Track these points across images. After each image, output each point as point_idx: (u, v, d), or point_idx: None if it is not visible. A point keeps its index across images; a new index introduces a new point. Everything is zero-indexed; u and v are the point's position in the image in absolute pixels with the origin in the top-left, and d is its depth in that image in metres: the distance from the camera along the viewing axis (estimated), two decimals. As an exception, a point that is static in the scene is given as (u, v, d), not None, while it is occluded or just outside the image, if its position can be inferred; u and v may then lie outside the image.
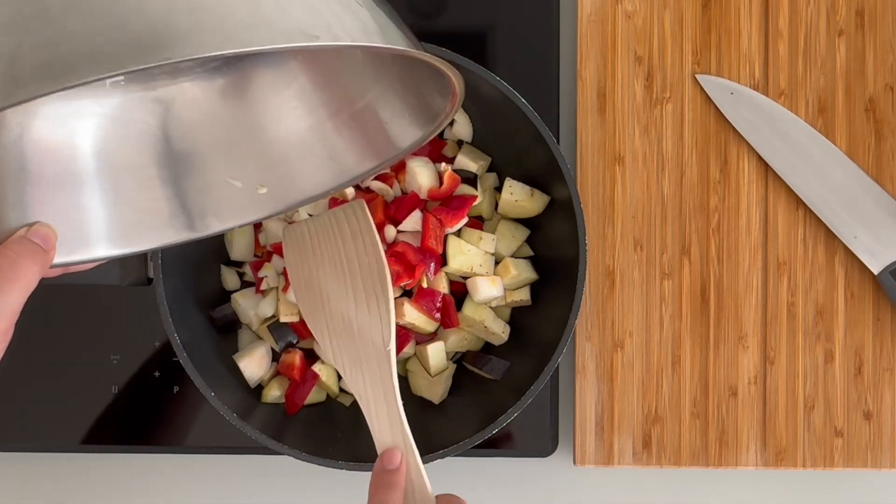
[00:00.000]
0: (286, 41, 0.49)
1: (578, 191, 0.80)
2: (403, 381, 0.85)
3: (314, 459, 0.79)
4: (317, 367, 0.83)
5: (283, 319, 0.82)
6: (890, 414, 0.86)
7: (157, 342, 0.88)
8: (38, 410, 0.88)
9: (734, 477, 0.89)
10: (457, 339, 0.84)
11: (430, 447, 0.77)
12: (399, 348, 0.80)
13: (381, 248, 0.74)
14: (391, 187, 0.83)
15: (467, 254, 0.82)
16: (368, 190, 0.83)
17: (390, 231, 0.81)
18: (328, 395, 0.85)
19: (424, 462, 0.71)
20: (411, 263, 0.80)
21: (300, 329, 0.83)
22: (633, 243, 0.87)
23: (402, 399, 0.73)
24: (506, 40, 0.88)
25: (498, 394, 0.82)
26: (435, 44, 0.77)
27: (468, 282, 0.82)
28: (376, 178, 0.82)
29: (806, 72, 0.88)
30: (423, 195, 0.82)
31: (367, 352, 0.70)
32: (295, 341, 0.83)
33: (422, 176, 0.82)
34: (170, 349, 0.79)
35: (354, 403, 0.84)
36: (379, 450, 0.69)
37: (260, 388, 0.84)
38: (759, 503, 0.89)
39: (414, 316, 0.81)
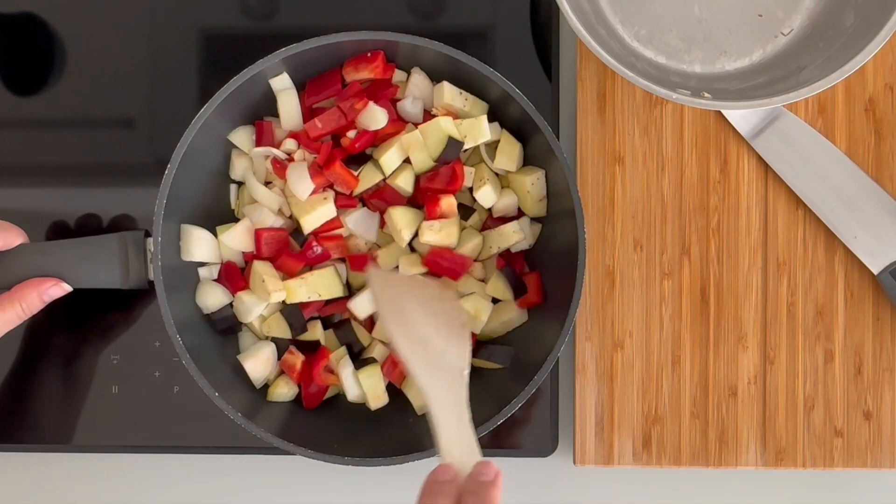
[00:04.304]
0: None
1: (578, 190, 0.80)
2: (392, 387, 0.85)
3: (321, 457, 0.79)
4: (333, 364, 0.83)
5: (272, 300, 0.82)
6: (890, 414, 0.87)
7: (157, 342, 0.88)
8: (38, 410, 0.88)
9: (734, 477, 0.89)
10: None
11: (419, 447, 0.78)
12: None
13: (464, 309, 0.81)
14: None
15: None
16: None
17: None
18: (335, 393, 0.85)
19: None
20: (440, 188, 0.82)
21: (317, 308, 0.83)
22: (633, 243, 0.87)
23: (389, 404, 0.81)
24: (506, 40, 0.88)
25: (493, 392, 0.81)
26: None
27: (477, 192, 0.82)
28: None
29: (806, 72, 0.88)
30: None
31: (440, 365, 0.75)
32: (316, 315, 0.84)
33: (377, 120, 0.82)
34: (170, 349, 0.79)
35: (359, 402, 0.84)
36: (442, 458, 0.71)
37: (265, 387, 0.84)
38: (759, 503, 0.89)
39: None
